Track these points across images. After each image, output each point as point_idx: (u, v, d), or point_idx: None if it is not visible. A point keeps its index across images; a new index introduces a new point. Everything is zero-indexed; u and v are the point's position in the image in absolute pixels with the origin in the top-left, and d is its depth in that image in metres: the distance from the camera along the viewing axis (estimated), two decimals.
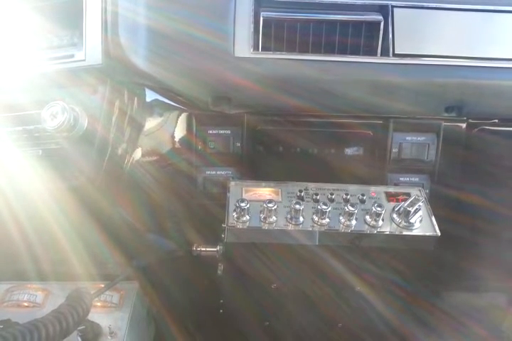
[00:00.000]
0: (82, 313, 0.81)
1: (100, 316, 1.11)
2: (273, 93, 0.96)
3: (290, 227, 0.92)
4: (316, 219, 0.92)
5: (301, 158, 1.08)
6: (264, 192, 0.98)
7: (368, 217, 0.93)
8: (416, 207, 0.91)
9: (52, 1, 0.98)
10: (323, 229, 0.92)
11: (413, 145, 1.07)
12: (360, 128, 1.06)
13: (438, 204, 1.02)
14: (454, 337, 1.41)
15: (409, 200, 0.92)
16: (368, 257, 1.01)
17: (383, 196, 0.99)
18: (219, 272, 1.11)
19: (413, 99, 1.00)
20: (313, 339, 1.35)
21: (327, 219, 0.92)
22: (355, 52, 0.97)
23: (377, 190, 1.00)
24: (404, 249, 0.96)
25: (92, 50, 0.95)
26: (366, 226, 0.93)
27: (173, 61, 0.95)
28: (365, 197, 0.97)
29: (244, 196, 0.97)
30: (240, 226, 0.91)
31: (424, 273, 1.20)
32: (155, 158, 1.08)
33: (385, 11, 0.97)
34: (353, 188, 1.00)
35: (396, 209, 0.94)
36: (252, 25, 0.95)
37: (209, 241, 1.13)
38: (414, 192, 1.01)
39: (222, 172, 1.08)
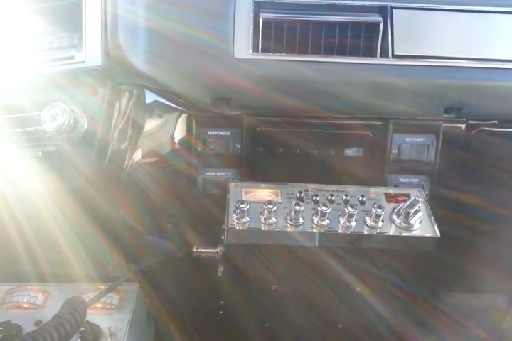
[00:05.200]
0: (76, 323, 0.83)
1: (100, 318, 1.11)
2: (273, 94, 0.96)
3: (290, 228, 0.92)
4: (315, 220, 0.92)
5: (301, 159, 1.08)
6: (264, 193, 0.98)
7: (367, 218, 0.93)
8: (416, 208, 0.91)
9: (52, 2, 0.98)
10: (323, 230, 0.92)
11: (413, 146, 1.07)
12: (360, 129, 1.06)
13: (438, 205, 1.02)
14: (453, 337, 1.41)
15: (409, 201, 0.92)
16: (367, 258, 1.01)
17: (383, 197, 0.99)
18: (219, 273, 1.11)
19: (412, 100, 1.00)
20: (313, 340, 1.35)
21: (327, 221, 0.92)
22: (354, 53, 0.97)
23: (376, 191, 1.00)
24: (404, 250, 0.96)
25: (91, 52, 0.95)
26: (366, 228, 0.93)
27: (173, 62, 0.95)
28: (364, 198, 0.97)
29: (244, 197, 0.97)
30: (239, 227, 0.91)
31: (424, 274, 1.20)
32: (155, 159, 1.08)
33: (384, 12, 0.97)
34: (352, 189, 1.00)
35: (396, 210, 0.94)
36: (251, 27, 0.95)
37: (209, 242, 1.12)
38: (414, 193, 1.01)
39: (222, 174, 1.08)
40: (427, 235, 0.93)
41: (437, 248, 0.95)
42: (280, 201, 0.96)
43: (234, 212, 0.92)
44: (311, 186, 1.00)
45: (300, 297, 1.14)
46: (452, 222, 1.07)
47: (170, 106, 1.03)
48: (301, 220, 0.92)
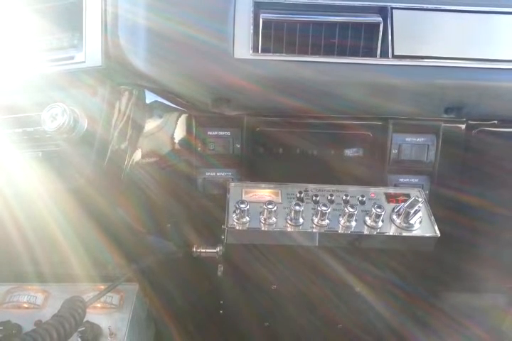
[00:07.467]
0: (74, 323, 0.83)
1: (100, 317, 1.11)
2: (272, 94, 0.96)
3: (290, 228, 0.92)
4: (315, 220, 0.92)
5: (301, 159, 1.08)
6: (264, 193, 0.98)
7: (367, 218, 0.93)
8: (416, 208, 0.91)
9: (52, 2, 0.98)
10: (323, 230, 0.92)
11: (413, 146, 1.07)
12: (360, 129, 1.06)
13: (438, 205, 1.02)
14: (453, 337, 1.41)
15: (409, 201, 0.92)
16: (367, 258, 1.01)
17: (383, 197, 0.99)
18: (219, 273, 1.11)
19: (412, 100, 1.00)
20: (313, 340, 1.35)
21: (327, 221, 0.92)
22: (354, 53, 0.97)
23: (376, 191, 1.00)
24: (404, 250, 0.97)
25: (92, 52, 0.95)
26: (366, 228, 0.93)
27: (173, 63, 0.95)
28: (364, 198, 0.97)
29: (244, 197, 0.97)
30: (239, 227, 0.91)
31: (424, 274, 1.20)
32: (155, 159, 1.08)
33: (384, 12, 0.97)
34: (352, 189, 1.00)
35: (396, 210, 0.94)
36: (251, 27, 0.95)
37: (209, 242, 1.13)
38: (414, 193, 1.01)
39: (222, 174, 1.08)
40: (427, 235, 0.93)
41: (437, 248, 0.95)
42: (280, 201, 0.96)
43: (234, 212, 0.92)
44: (311, 186, 1.00)
45: (300, 297, 1.14)
46: (452, 222, 1.07)
47: (170, 106, 1.03)
48: (301, 220, 0.92)
